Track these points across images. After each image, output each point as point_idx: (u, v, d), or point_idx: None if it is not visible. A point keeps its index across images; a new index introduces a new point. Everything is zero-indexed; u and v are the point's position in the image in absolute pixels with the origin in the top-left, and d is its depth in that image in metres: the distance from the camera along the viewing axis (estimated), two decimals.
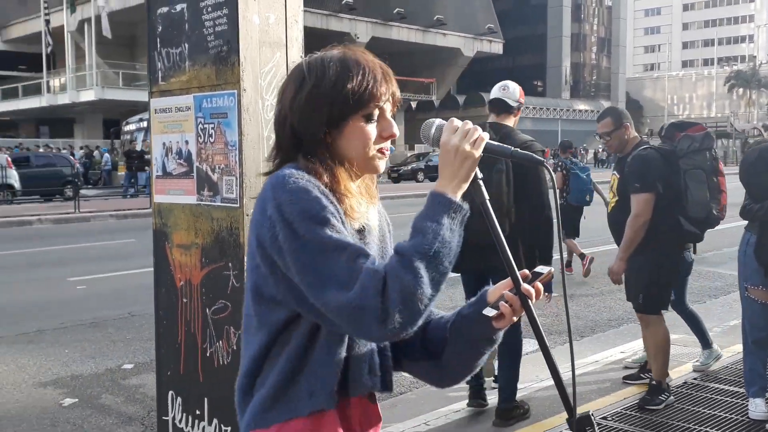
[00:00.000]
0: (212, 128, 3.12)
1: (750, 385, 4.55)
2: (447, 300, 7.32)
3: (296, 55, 3.12)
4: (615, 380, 5.33)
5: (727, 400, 4.83)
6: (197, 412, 3.24)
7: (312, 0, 36.74)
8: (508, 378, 4.58)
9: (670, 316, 5.11)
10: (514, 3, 67.10)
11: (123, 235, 14.79)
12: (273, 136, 3.03)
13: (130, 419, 5.02)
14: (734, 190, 4.90)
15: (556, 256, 4.43)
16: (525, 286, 1.57)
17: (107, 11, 35.69)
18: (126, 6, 36.45)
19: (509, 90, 4.70)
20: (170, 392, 3.41)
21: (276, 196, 1.49)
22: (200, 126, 3.18)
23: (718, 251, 11.33)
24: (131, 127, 29.87)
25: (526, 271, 1.61)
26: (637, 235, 4.65)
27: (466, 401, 4.84)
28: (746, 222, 4.60)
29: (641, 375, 5.24)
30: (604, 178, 7.45)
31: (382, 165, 1.67)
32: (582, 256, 9.80)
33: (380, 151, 1.63)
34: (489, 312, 1.58)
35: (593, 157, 53.15)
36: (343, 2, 42.10)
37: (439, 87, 49.88)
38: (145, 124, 27.22)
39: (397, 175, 34.56)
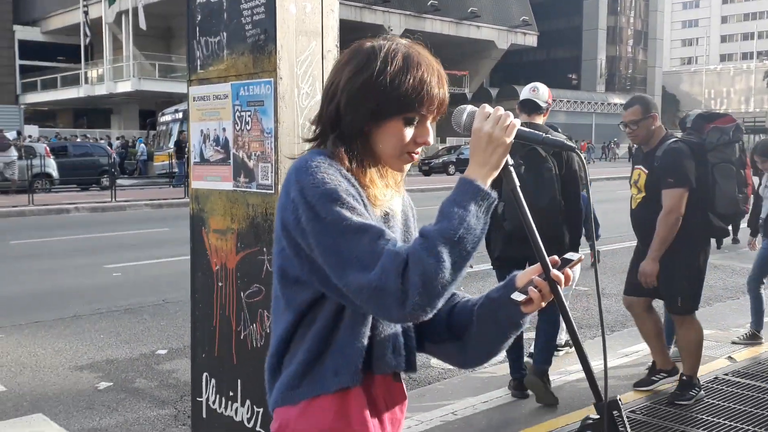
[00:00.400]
0: (249, 116, 3.17)
1: None
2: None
3: (332, 44, 3.15)
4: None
5: (757, 396, 4.79)
6: (230, 394, 3.31)
7: None
8: (548, 341, 4.89)
9: (700, 313, 5.07)
10: None
11: (158, 224, 15.00)
12: (308, 123, 3.09)
13: (164, 403, 5.12)
14: None
15: (586, 249, 4.43)
16: (554, 272, 1.57)
17: (143, 3, 36.08)
18: None
19: (539, 92, 4.95)
20: (204, 374, 3.48)
21: (299, 180, 1.53)
22: (237, 113, 3.24)
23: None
24: (167, 118, 30.17)
25: (556, 257, 1.61)
26: (671, 232, 4.49)
27: (492, 392, 4.88)
28: None
29: (652, 378, 5.03)
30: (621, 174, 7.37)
31: (407, 167, 1.69)
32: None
33: (410, 153, 1.65)
34: (518, 297, 1.59)
35: (627, 152, 52.55)
36: None
37: (472, 79, 49.64)
38: (180, 115, 27.49)
39: (428, 167, 34.48)
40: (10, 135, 24.14)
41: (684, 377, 4.75)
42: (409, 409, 1.79)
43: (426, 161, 34.96)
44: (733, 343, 6.14)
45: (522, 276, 1.64)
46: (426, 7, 44.41)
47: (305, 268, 1.57)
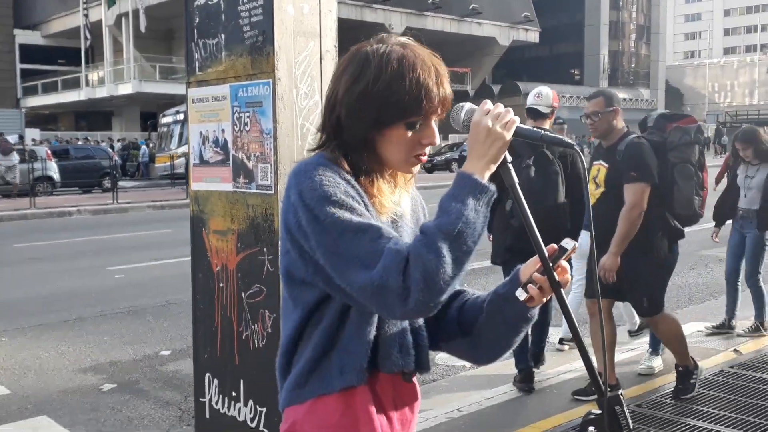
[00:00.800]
0: (248, 117, 3.17)
1: None
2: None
3: (330, 44, 3.16)
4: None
5: (763, 388, 4.78)
6: (233, 394, 3.31)
7: None
8: (540, 334, 5.13)
9: (707, 305, 5.06)
10: None
11: (160, 226, 15.02)
12: (307, 124, 3.09)
13: (168, 404, 5.13)
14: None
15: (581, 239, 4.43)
16: (558, 270, 1.57)
17: (144, 5, 36.09)
18: (162, 0, 36.83)
19: (542, 97, 5.07)
20: (207, 374, 3.49)
21: (298, 183, 1.54)
22: (236, 115, 3.24)
23: None
24: (168, 119, 30.16)
25: (554, 246, 1.61)
26: (633, 227, 4.39)
27: (498, 388, 4.87)
28: None
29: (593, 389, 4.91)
30: None
31: (414, 168, 1.67)
32: None
33: (417, 156, 1.64)
34: (520, 294, 1.59)
35: None
36: None
37: (474, 76, 49.58)
38: (181, 116, 27.47)
39: (430, 165, 34.44)
40: (12, 139, 24.17)
41: (680, 368, 4.71)
42: None
43: (428, 158, 34.82)
44: (738, 335, 6.14)
45: (525, 269, 1.64)
46: (427, 5, 44.35)
47: (310, 269, 1.58)
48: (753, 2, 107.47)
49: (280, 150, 3.02)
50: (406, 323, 1.67)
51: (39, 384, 5.56)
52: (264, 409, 3.15)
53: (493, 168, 1.55)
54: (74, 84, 43.34)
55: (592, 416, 1.66)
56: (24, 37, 46.43)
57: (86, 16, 40.49)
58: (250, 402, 3.22)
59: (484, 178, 1.52)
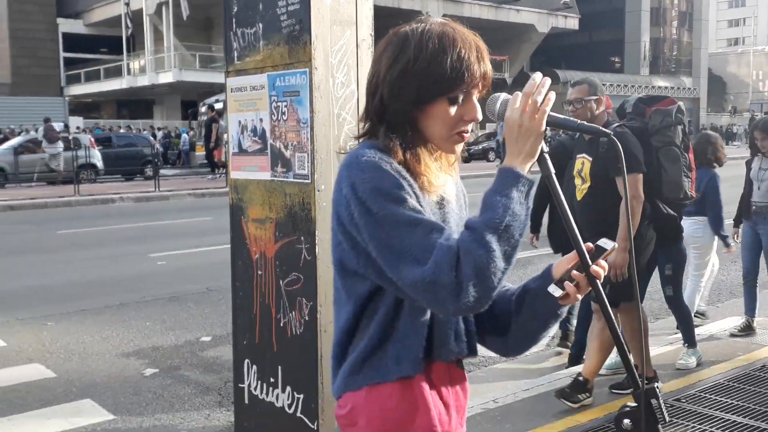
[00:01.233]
0: (285, 106, 3.19)
1: None
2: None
3: (366, 32, 3.16)
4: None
5: None
6: (271, 380, 3.36)
7: None
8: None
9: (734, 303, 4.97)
10: None
11: (201, 213, 15.19)
12: (343, 113, 3.10)
13: (208, 389, 5.21)
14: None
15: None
16: (594, 267, 1.57)
17: None
18: None
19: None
20: (246, 360, 3.54)
21: (350, 175, 1.54)
22: (274, 104, 3.26)
23: None
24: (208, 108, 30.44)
25: (591, 245, 1.61)
26: (635, 218, 4.21)
27: (534, 379, 4.85)
28: None
29: (579, 396, 4.50)
30: None
31: (459, 147, 1.67)
32: None
33: (459, 133, 1.64)
34: (554, 291, 1.58)
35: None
36: None
37: (512, 64, 49.13)
38: (221, 105, 27.70)
39: (467, 154, 34.16)
40: (57, 127, 24.60)
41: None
42: None
43: (466, 147, 34.67)
44: (732, 336, 5.87)
45: (558, 266, 1.64)
46: None
47: (362, 261, 1.58)
48: None
49: (317, 139, 3.04)
50: None
51: (83, 368, 5.69)
52: (301, 396, 3.18)
53: (533, 161, 1.55)
54: (116, 72, 43.95)
55: (628, 409, 1.65)
56: (67, 25, 47.16)
57: (127, 4, 40.97)
58: (288, 388, 3.26)
59: (525, 171, 1.52)
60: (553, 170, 1.60)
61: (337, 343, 1.68)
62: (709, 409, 4.33)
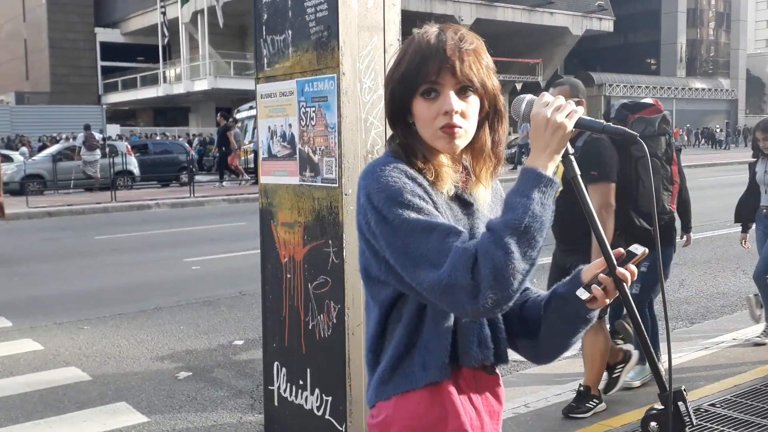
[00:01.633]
0: (313, 111, 3.22)
1: None
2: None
3: (393, 38, 3.18)
4: (726, 366, 5.16)
5: None
6: (300, 383, 3.38)
7: None
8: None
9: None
10: None
11: (235, 219, 15.32)
12: (371, 118, 3.13)
13: (240, 392, 5.26)
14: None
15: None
16: (620, 270, 1.54)
17: (222, 1, 36.77)
18: None
19: None
20: (275, 363, 3.57)
21: (366, 185, 1.57)
22: (302, 109, 3.30)
23: None
24: (242, 114, 30.70)
25: (621, 250, 1.59)
26: (607, 227, 4.04)
27: (566, 384, 4.82)
28: None
29: (587, 405, 4.44)
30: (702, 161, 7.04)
31: (450, 144, 1.62)
32: None
33: (443, 128, 1.61)
34: (582, 294, 1.57)
35: (709, 139, 50.80)
36: None
37: (546, 67, 48.82)
38: (255, 111, 27.92)
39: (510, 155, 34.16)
40: (98, 135, 25.06)
41: (582, 388, 4.41)
42: None
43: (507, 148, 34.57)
44: (756, 345, 5.70)
45: (587, 270, 1.62)
46: None
47: (383, 268, 1.60)
48: None
49: (345, 144, 3.07)
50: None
51: (118, 371, 5.78)
52: (330, 398, 3.20)
53: (557, 160, 1.54)
54: (152, 81, 44.63)
55: (655, 411, 1.64)
56: (104, 35, 48.06)
57: (164, 14, 41.61)
58: (317, 391, 3.28)
59: (548, 170, 1.51)
60: (578, 172, 1.60)
61: (368, 350, 1.70)
62: (746, 414, 4.26)
